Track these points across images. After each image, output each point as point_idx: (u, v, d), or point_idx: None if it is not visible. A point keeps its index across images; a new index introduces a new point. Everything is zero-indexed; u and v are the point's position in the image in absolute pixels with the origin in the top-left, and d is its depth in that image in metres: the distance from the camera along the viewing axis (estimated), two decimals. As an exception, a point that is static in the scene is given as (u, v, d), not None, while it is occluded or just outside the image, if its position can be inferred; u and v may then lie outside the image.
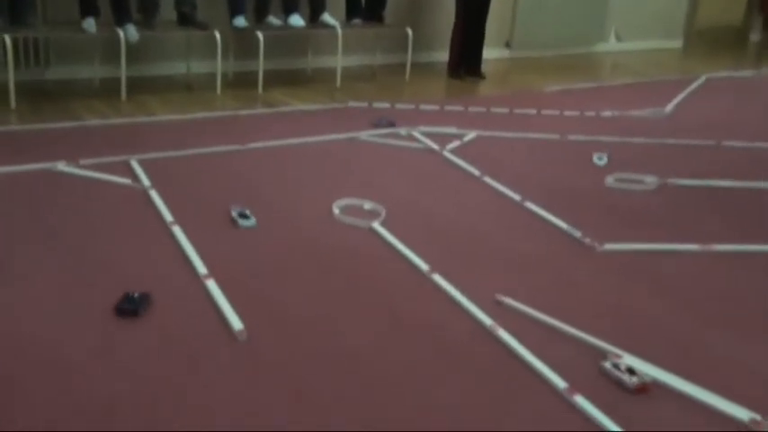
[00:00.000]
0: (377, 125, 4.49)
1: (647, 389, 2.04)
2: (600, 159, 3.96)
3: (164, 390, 1.93)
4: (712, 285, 2.73)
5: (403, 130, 4.47)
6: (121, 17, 4.88)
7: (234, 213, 3.01)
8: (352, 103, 5.13)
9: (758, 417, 1.92)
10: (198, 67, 5.66)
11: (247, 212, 2.99)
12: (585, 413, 1.93)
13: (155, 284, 2.47)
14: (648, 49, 8.51)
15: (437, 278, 2.62)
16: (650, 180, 3.83)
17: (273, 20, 5.52)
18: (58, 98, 4.81)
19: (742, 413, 1.95)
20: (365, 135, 4.35)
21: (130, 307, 2.28)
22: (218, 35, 5.11)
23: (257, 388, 1.96)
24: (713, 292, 2.67)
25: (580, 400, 1.97)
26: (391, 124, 4.56)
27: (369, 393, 1.97)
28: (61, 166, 3.51)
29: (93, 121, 4.34)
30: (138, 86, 5.15)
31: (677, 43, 8.93)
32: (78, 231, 2.85)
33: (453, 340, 2.25)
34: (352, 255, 2.80)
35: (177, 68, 5.67)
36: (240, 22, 5.39)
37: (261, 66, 5.34)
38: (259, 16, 5.55)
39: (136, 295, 2.33)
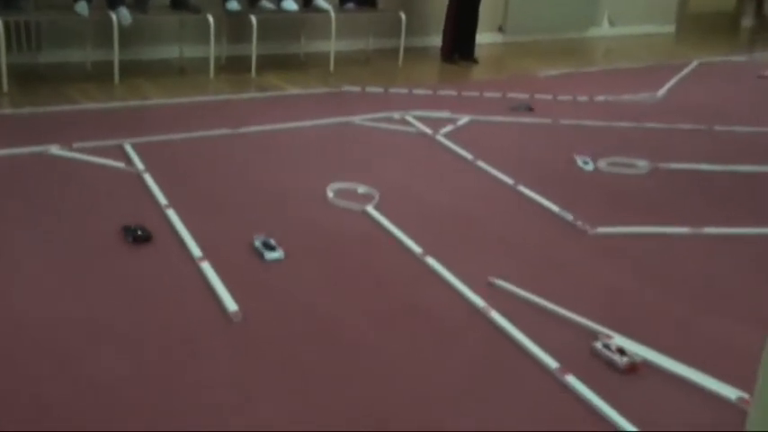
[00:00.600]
0: (514, 109, 4.54)
1: (638, 369, 2.07)
2: (585, 164, 3.77)
3: (160, 370, 1.94)
4: (702, 268, 2.76)
5: (396, 114, 4.47)
6: (114, 0, 4.85)
7: (257, 243, 2.60)
8: (345, 88, 5.13)
9: (746, 395, 1.95)
10: (191, 50, 5.63)
11: (272, 242, 2.58)
12: (577, 393, 1.95)
13: (150, 268, 2.48)
14: (641, 35, 8.51)
15: (430, 261, 2.64)
16: (642, 164, 3.85)
17: (267, 4, 5.50)
18: (50, 82, 4.79)
19: (730, 392, 1.98)
20: (359, 119, 4.35)
21: (143, 234, 2.60)
22: (210, 19, 5.09)
23: (252, 369, 1.98)
24: (703, 275, 2.70)
25: (572, 379, 1.99)
26: (530, 109, 4.61)
27: (362, 374, 1.99)
28: (54, 149, 3.51)
29: (87, 105, 4.33)
30: (131, 70, 5.13)
31: (670, 28, 8.93)
32: (72, 214, 2.86)
33: (446, 322, 2.27)
34: (345, 238, 2.82)
35: (170, 52, 5.65)
36: (233, 5, 5.37)
37: (254, 50, 5.33)
38: (252, 0, 5.53)
39: (138, 230, 2.64)
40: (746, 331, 2.31)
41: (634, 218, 3.17)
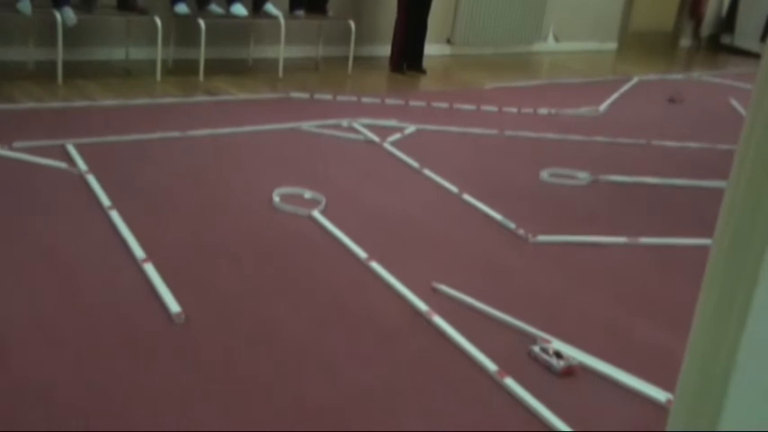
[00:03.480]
0: (671, 100, 5.47)
1: (574, 372, 2.13)
2: None
3: (101, 371, 1.92)
4: (636, 276, 2.85)
5: (344, 122, 4.50)
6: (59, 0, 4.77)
7: None
8: (294, 94, 5.13)
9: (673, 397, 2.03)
10: (137, 53, 5.57)
11: None
12: (515, 394, 2.00)
13: (92, 268, 2.45)
14: (584, 51, 8.74)
15: (375, 266, 2.67)
16: (583, 176, 3.95)
17: (216, 8, 5.48)
18: (-10, 80, 4.68)
19: (660, 394, 2.06)
20: (307, 126, 4.36)
21: None
22: (158, 21, 5.05)
23: (193, 370, 1.97)
24: (637, 282, 2.79)
25: (510, 382, 2.04)
26: (673, 100, 5.66)
27: (305, 376, 2.01)
28: (-6, 148, 3.44)
29: (28, 104, 4.24)
30: (75, 71, 5.04)
31: (612, 46, 9.18)
32: (12, 215, 2.80)
33: (389, 325, 2.31)
34: (291, 242, 2.83)
35: (116, 54, 5.58)
36: (182, 8, 5.33)
37: (202, 54, 5.30)
38: (201, 3, 5.50)
39: None
40: (676, 336, 2.41)
41: (574, 227, 3.26)
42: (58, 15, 4.71)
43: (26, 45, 5.12)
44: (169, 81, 5.15)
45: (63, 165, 3.33)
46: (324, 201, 3.22)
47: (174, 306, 2.24)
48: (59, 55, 4.76)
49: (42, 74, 4.91)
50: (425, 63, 6.48)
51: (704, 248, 3.13)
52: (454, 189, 3.57)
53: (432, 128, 4.62)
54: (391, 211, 3.25)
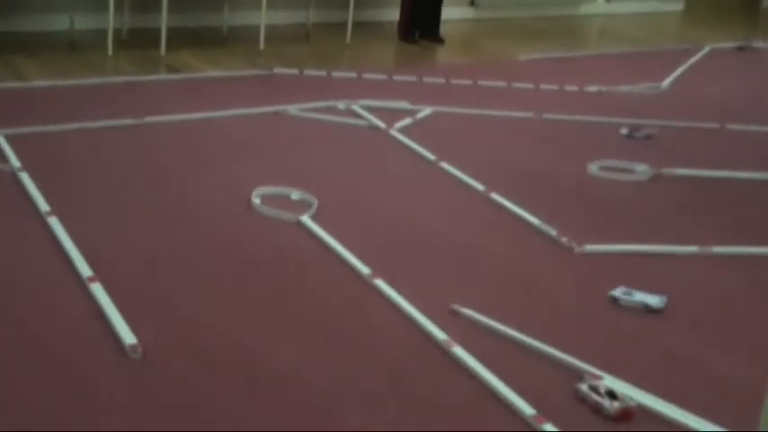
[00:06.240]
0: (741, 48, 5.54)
1: (631, 415, 2.11)
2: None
3: (38, 418, 1.92)
4: (709, 295, 2.83)
5: (341, 104, 4.51)
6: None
7: None
8: (278, 70, 5.14)
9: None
10: (84, 21, 5.59)
11: None
12: (556, 445, 1.99)
13: (27, 289, 2.45)
14: (643, 13, 8.72)
15: (380, 284, 2.66)
16: (641, 169, 3.94)
17: (181, -36, 5.50)
18: None
19: (740, 443, 2.04)
20: (294, 109, 4.37)
21: None
22: (110, -19, 5.07)
23: (154, 415, 1.97)
24: (709, 303, 2.77)
25: (550, 429, 2.03)
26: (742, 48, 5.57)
27: (294, 420, 2.00)
28: None
29: (-52, 86, 4.27)
30: (8, 44, 5.07)
31: (677, 6, 9.16)
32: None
33: (399, 358, 2.30)
34: (275, 255, 2.83)
35: (58, 23, 5.60)
36: (139, -35, 5.35)
37: (164, 22, 5.31)
38: (163, -41, 5.52)
39: None
40: (756, 369, 2.38)
41: (630, 234, 3.24)
42: (-16, -25, 4.73)
43: (-54, 13, 5.15)
44: (123, 56, 5.17)
45: (-9, 161, 3.36)
46: (315, 203, 3.22)
47: (128, 336, 2.24)
48: (-13, 24, 4.79)
49: (-34, 48, 4.94)
50: (443, 30, 6.48)
51: (795, 259, 3.11)
52: (479, 187, 3.56)
53: (451, 110, 4.62)
54: (400, 215, 3.25)
